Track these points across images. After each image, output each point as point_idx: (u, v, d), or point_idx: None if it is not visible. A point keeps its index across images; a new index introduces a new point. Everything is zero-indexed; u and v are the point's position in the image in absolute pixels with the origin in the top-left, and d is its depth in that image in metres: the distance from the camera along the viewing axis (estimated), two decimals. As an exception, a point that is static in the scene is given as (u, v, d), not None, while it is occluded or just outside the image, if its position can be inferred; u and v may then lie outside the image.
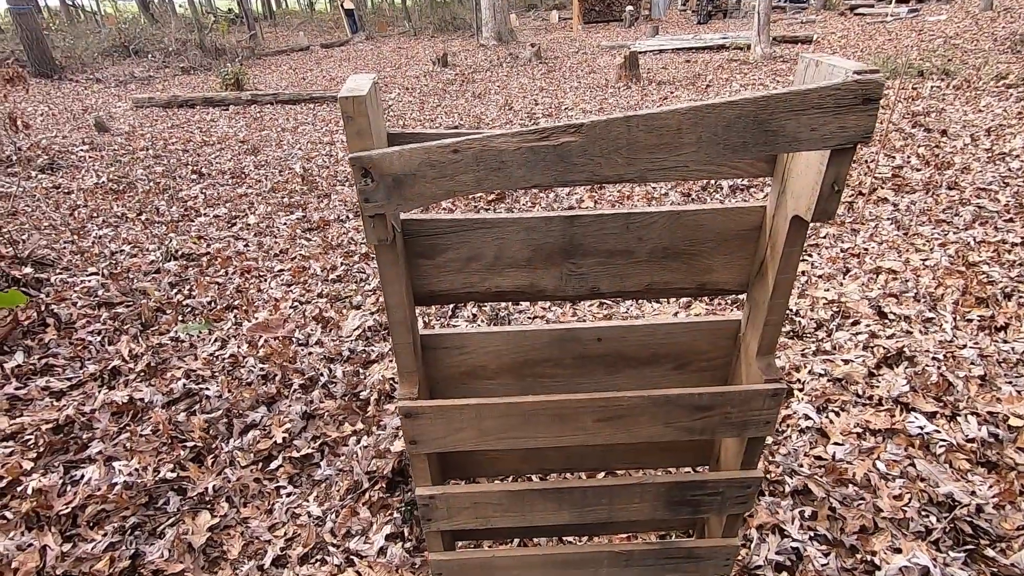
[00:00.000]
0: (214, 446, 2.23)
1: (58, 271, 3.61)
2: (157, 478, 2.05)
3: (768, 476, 2.00)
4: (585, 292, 0.98)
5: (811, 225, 4.11)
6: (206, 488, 2.03)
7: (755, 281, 0.96)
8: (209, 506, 1.99)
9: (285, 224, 4.63)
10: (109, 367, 2.67)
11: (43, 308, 3.01)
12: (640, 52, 12.81)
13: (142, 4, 24.32)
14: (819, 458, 2.06)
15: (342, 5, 23.42)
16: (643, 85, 9.67)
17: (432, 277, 0.95)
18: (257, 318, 3.11)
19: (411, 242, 0.91)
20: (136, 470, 2.07)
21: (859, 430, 2.15)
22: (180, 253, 3.99)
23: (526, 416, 0.94)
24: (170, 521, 1.92)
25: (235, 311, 3.26)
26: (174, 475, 2.06)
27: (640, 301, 3.32)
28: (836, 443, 2.11)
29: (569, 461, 1.23)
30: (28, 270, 3.33)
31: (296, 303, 3.35)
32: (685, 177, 0.81)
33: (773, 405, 0.95)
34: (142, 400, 2.45)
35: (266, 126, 8.88)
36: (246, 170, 6.25)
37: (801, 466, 2.01)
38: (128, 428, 2.28)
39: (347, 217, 4.79)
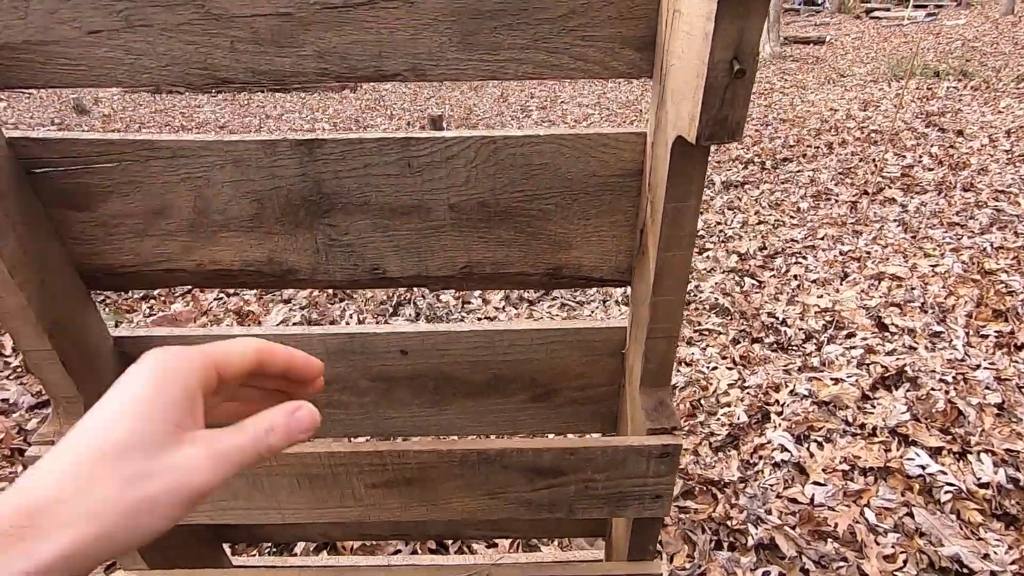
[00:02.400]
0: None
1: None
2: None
3: (729, 524, 1.61)
4: (363, 275, 0.61)
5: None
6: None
7: (637, 263, 0.58)
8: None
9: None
10: (-17, 361, 2.33)
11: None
12: (645, 49, 12.41)
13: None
14: (794, 501, 1.67)
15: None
16: (646, 79, 9.28)
17: (99, 244, 0.58)
18: (171, 309, 2.75)
19: (42, 181, 0.54)
20: (-35, 488, 1.72)
21: (845, 467, 1.76)
22: (112, 237, 3.65)
23: (253, 478, 0.57)
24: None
25: (152, 301, 2.91)
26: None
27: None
28: (816, 482, 1.71)
29: (399, 528, 0.86)
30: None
31: (223, 294, 2.99)
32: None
33: (664, 471, 0.57)
34: (5, 400, 2.10)
35: (251, 112, 8.58)
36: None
37: (770, 512, 1.62)
38: (-27, 435, 1.92)
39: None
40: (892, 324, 2.47)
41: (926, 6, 16.30)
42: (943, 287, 2.74)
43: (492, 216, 0.57)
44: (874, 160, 4.76)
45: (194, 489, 0.30)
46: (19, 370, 2.31)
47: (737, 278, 3.02)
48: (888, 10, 16.36)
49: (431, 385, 0.69)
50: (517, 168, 0.54)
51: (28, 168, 0.53)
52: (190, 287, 0.61)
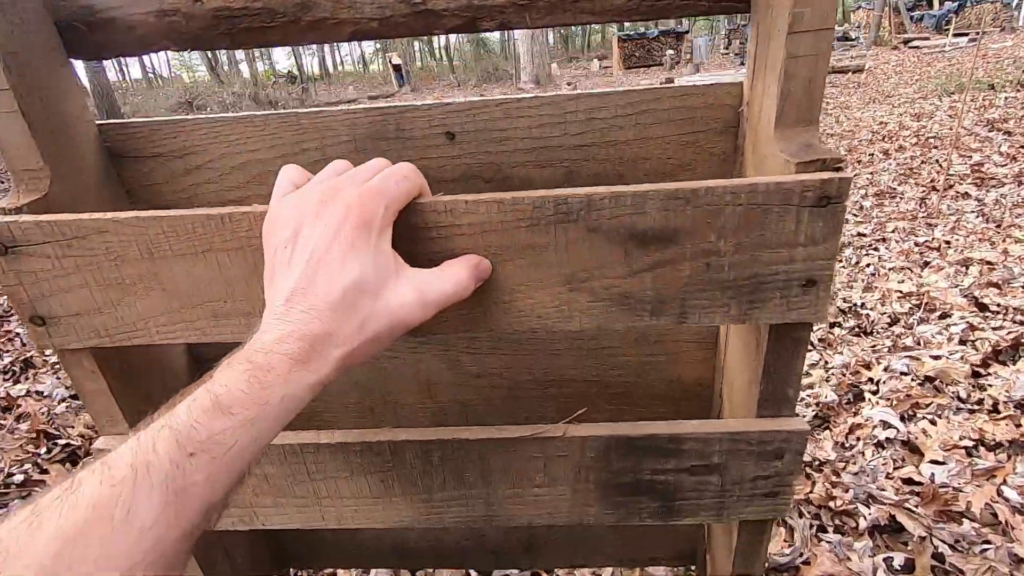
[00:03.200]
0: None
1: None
2: (5, 481, 1.59)
3: (832, 506, 1.35)
4: (398, 5, 0.47)
5: (875, 221, 3.37)
6: (60, 496, 1.55)
7: None
8: (56, 520, 1.50)
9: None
10: (23, 358, 2.30)
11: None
12: (679, 86, 12.48)
13: (209, 66, 26.43)
14: (909, 481, 1.40)
15: (391, 61, 24.61)
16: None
17: None
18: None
19: None
20: (-13, 471, 1.63)
21: (968, 443, 1.48)
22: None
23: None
24: None
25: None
26: (22, 478, 1.60)
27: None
28: (934, 461, 1.44)
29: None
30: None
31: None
32: None
33: (821, 232, 0.40)
34: (39, 393, 2.04)
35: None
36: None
37: (883, 490, 1.35)
38: (2, 423, 1.85)
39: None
40: (992, 303, 2.18)
41: (967, 34, 16.01)
42: (1045, 267, 2.43)
43: None
44: (938, 161, 4.48)
45: (407, 326, 0.39)
46: (56, 366, 2.27)
47: (803, 268, 2.78)
48: (927, 39, 16.16)
49: (486, 189, 0.54)
50: None
51: None
52: (182, 49, 0.49)
